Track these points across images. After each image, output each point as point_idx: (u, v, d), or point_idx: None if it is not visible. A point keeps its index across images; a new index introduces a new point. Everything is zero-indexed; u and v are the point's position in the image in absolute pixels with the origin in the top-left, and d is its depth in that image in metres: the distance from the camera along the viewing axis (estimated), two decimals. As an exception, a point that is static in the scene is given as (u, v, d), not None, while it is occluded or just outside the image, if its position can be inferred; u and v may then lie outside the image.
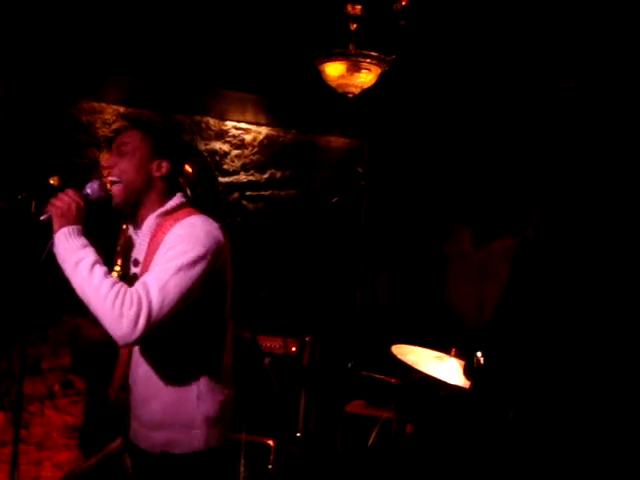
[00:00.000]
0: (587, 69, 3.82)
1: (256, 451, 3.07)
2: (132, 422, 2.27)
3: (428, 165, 4.91)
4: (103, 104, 4.04)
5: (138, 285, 2.04)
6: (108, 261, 3.24)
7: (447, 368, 3.44)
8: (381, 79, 3.66)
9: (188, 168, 4.15)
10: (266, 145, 4.74)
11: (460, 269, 4.82)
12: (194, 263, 2.06)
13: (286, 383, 2.60)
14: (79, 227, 2.11)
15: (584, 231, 2.30)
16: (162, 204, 2.23)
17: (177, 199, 2.26)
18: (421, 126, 4.84)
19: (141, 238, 2.25)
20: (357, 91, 3.56)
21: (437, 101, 4.57)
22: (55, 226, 2.11)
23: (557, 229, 2.36)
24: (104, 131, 4.04)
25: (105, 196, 2.27)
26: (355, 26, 3.46)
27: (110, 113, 4.07)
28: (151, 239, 2.21)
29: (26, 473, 3.70)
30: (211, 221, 2.19)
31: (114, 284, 2.01)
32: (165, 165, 2.24)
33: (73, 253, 2.06)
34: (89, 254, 2.07)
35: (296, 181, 4.84)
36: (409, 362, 3.45)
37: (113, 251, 3.24)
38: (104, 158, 3.22)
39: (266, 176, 4.75)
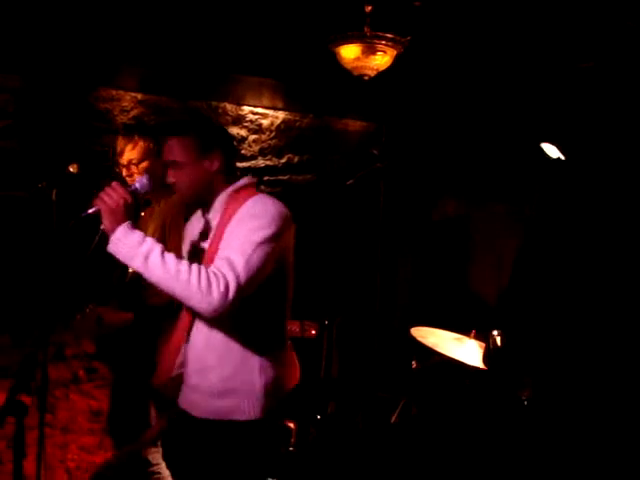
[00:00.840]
0: (606, 48, 3.77)
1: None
2: (189, 393, 2.36)
3: (446, 146, 4.89)
4: (121, 91, 4.06)
5: (221, 262, 2.14)
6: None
7: (467, 350, 3.44)
8: (397, 61, 3.63)
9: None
10: (283, 130, 4.74)
11: (480, 249, 4.81)
12: (272, 239, 2.19)
13: (305, 366, 2.63)
14: (131, 222, 2.18)
15: (591, 214, 2.29)
16: (229, 185, 2.33)
17: (245, 180, 2.37)
18: (438, 108, 4.81)
19: (211, 214, 2.34)
20: (373, 73, 3.54)
21: (454, 82, 4.53)
22: (105, 223, 2.17)
23: (562, 214, 2.35)
24: (122, 118, 4.06)
25: (153, 189, 2.40)
26: (370, 8, 3.44)
27: (128, 100, 4.09)
28: (222, 215, 2.30)
29: (52, 456, 3.77)
30: (280, 202, 2.30)
31: (190, 266, 2.11)
32: (216, 158, 2.32)
33: (137, 249, 2.13)
34: (153, 245, 2.14)
35: (313, 165, 4.84)
36: (429, 344, 3.46)
37: None
38: (121, 144, 3.24)
39: (284, 161, 4.76)
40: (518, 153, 4.39)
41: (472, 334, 3.55)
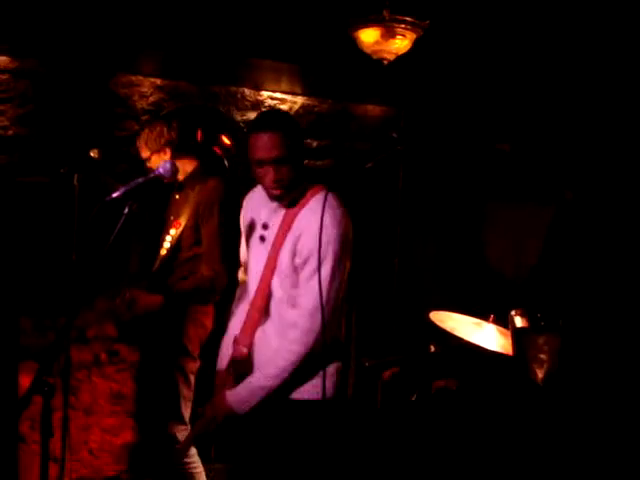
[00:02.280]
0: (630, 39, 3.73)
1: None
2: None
3: (466, 131, 4.86)
4: (140, 77, 4.08)
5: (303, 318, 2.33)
6: (159, 228, 3.34)
7: (485, 334, 3.44)
8: (416, 45, 3.62)
9: (226, 140, 4.18)
10: (302, 115, 4.74)
11: (499, 228, 4.79)
12: (340, 265, 2.32)
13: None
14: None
15: (621, 201, 2.28)
16: (301, 182, 2.41)
17: (300, 186, 2.42)
18: (458, 92, 4.78)
19: (275, 207, 2.44)
20: (392, 57, 3.53)
21: (474, 66, 4.50)
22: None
23: (597, 199, 2.34)
24: (141, 104, 4.08)
25: (174, 175, 2.54)
26: (389, -9, 3.42)
27: (147, 86, 4.11)
28: (287, 211, 2.41)
29: (75, 437, 3.82)
30: (339, 201, 2.38)
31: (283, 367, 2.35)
32: (303, 152, 2.43)
33: (255, 400, 2.39)
34: (252, 390, 2.38)
35: (332, 150, 4.84)
36: (447, 329, 3.46)
37: (164, 219, 3.32)
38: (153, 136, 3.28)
39: (302, 146, 4.75)
40: (541, 139, 4.36)
41: (491, 318, 3.55)
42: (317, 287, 2.26)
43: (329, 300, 2.30)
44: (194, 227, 3.18)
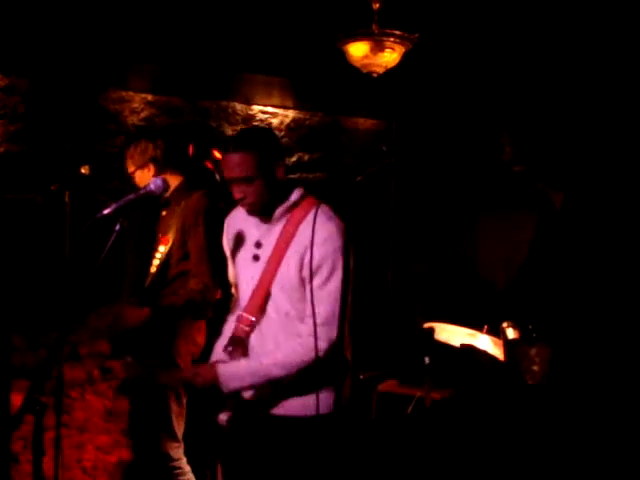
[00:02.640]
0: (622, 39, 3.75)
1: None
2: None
3: (457, 143, 4.88)
4: (131, 92, 4.08)
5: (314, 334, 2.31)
6: (150, 244, 3.33)
7: (480, 345, 3.43)
8: (406, 58, 3.63)
9: (217, 154, 4.18)
10: (293, 128, 4.75)
11: (490, 238, 4.79)
12: (347, 274, 2.26)
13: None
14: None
15: (614, 201, 2.29)
16: (287, 198, 2.45)
17: (298, 192, 2.47)
18: (448, 104, 4.80)
19: (268, 225, 2.46)
20: (381, 70, 3.55)
21: (464, 78, 4.52)
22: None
23: (586, 200, 2.34)
24: (132, 119, 4.08)
25: (165, 192, 2.58)
26: (378, 5, 3.44)
27: (138, 101, 4.11)
28: (283, 228, 2.43)
29: (69, 456, 3.79)
30: (334, 214, 2.43)
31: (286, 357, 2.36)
32: (281, 165, 2.44)
33: (248, 379, 2.38)
34: (250, 367, 2.38)
35: (324, 164, 4.85)
36: (442, 340, 3.45)
37: (154, 235, 3.32)
38: (137, 151, 3.29)
39: (294, 159, 4.77)
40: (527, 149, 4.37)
41: (485, 329, 3.55)
42: (333, 295, 2.33)
43: (343, 307, 2.27)
44: (181, 242, 3.18)
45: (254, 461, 2.51)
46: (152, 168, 3.27)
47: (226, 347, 2.50)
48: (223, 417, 2.53)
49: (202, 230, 3.13)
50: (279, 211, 2.45)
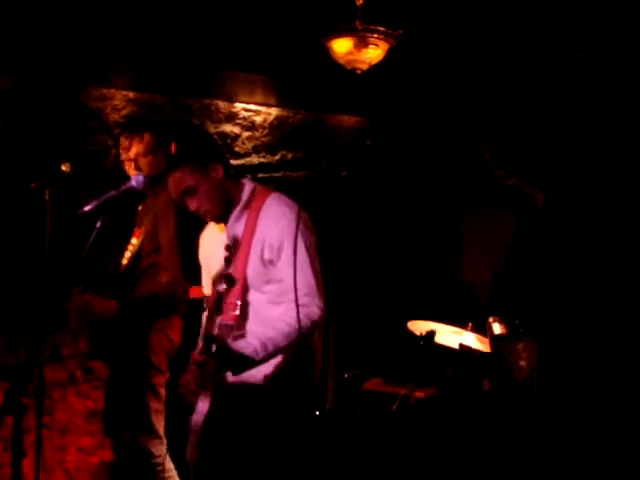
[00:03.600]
0: (598, 39, 3.77)
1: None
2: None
3: (440, 140, 4.88)
4: (112, 90, 4.04)
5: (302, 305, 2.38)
6: (126, 237, 3.30)
7: (465, 342, 3.44)
8: (390, 55, 3.62)
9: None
10: (276, 126, 4.73)
11: (473, 243, 4.81)
12: (313, 246, 2.45)
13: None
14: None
15: (593, 200, 2.29)
16: (240, 197, 2.53)
17: (249, 187, 2.56)
18: (432, 101, 4.80)
19: (232, 222, 2.53)
20: (365, 67, 3.53)
21: (448, 74, 4.52)
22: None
23: (566, 202, 2.35)
24: (114, 117, 4.04)
25: (146, 187, 2.57)
26: (361, 1, 3.42)
27: (119, 99, 4.07)
28: (245, 223, 2.50)
29: (51, 458, 3.74)
30: (286, 197, 2.53)
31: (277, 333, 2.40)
32: (217, 166, 2.50)
33: (255, 355, 2.38)
34: (254, 344, 2.38)
35: (308, 161, 4.83)
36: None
37: (131, 229, 3.28)
38: (127, 140, 3.25)
39: (277, 157, 4.74)
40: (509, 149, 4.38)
41: (469, 327, 3.55)
42: (304, 267, 2.42)
43: (318, 278, 2.44)
44: (153, 234, 3.15)
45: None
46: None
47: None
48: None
49: (173, 222, 3.11)
50: (237, 211, 2.53)
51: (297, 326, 2.36)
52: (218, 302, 2.45)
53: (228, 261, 2.48)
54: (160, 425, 3.17)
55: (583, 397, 2.13)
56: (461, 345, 3.09)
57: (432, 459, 3.03)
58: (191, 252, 2.84)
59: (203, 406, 2.49)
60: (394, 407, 3.16)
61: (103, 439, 3.90)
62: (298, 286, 2.39)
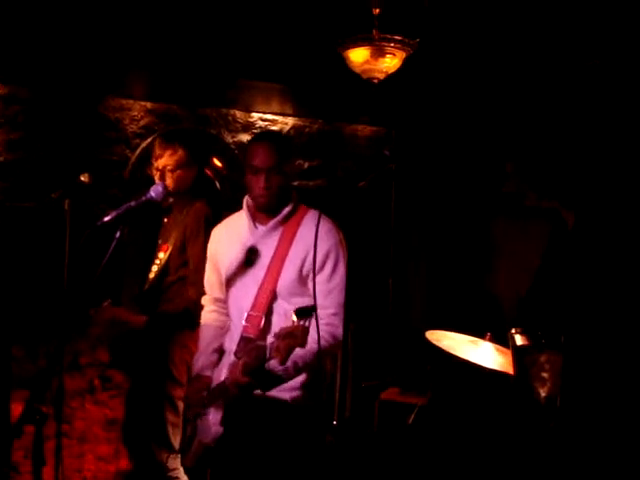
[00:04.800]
0: (612, 47, 3.75)
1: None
2: None
3: (459, 150, 4.86)
4: (130, 100, 4.07)
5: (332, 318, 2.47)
6: (149, 249, 3.32)
7: (482, 352, 3.41)
8: (407, 64, 3.62)
9: (217, 162, 4.17)
10: (293, 136, 4.73)
11: (496, 254, 4.76)
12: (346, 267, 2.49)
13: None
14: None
15: (624, 220, 2.27)
16: (287, 204, 2.60)
17: (294, 199, 2.62)
18: (449, 111, 4.79)
19: (264, 230, 2.59)
20: (382, 76, 3.53)
21: (465, 83, 4.51)
22: None
23: (596, 220, 2.34)
24: (132, 127, 4.07)
25: (165, 197, 2.64)
26: (378, 10, 3.43)
27: (137, 109, 4.10)
28: (283, 231, 2.56)
29: (70, 466, 3.76)
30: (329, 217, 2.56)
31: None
32: (293, 164, 2.74)
33: (286, 374, 2.43)
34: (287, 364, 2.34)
35: (324, 171, 4.83)
36: (444, 347, 3.43)
37: (154, 241, 3.30)
38: (159, 149, 3.26)
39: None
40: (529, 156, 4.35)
41: (487, 337, 3.52)
42: (339, 287, 2.47)
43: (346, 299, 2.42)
44: (181, 249, 3.17)
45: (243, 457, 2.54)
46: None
47: (237, 348, 2.51)
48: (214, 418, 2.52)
49: (202, 239, 3.11)
50: (278, 218, 2.57)
51: (326, 345, 2.39)
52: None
53: (250, 263, 2.53)
54: (176, 439, 3.18)
55: (607, 411, 2.11)
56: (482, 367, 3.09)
57: (447, 468, 3.02)
58: None
59: (215, 416, 2.50)
60: (410, 420, 3.14)
61: (120, 448, 3.92)
62: (328, 305, 2.44)
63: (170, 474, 3.15)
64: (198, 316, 3.08)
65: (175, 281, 3.18)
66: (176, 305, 3.12)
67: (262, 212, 2.61)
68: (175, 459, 3.14)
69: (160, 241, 3.27)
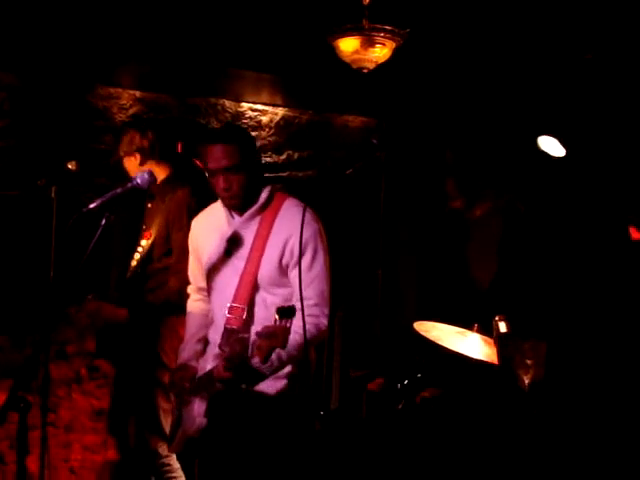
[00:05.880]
0: (605, 40, 3.75)
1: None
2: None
3: (448, 140, 4.86)
4: (119, 89, 4.04)
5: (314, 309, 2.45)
6: (134, 237, 3.31)
7: (470, 343, 3.42)
8: (397, 54, 3.61)
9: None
10: (283, 126, 4.72)
11: (478, 240, 4.78)
12: (328, 255, 2.49)
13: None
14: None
15: (581, 205, 2.29)
16: (258, 198, 2.56)
17: (268, 189, 2.59)
18: (439, 101, 4.79)
19: (241, 221, 2.56)
20: (372, 66, 3.53)
21: (455, 73, 4.50)
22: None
23: (552, 207, 2.36)
24: (121, 116, 4.04)
25: (150, 185, 2.59)
26: (368, 0, 3.42)
27: (126, 98, 4.07)
28: (261, 221, 2.53)
29: (56, 455, 3.75)
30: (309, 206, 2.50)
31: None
32: (260, 162, 2.70)
33: (270, 368, 2.41)
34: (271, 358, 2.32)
35: (314, 161, 4.82)
36: (432, 338, 3.44)
37: (139, 228, 3.29)
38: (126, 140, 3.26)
39: (283, 157, 4.74)
40: (517, 148, 4.37)
41: (475, 328, 3.53)
42: (320, 275, 2.47)
43: (329, 287, 2.47)
44: (165, 237, 3.16)
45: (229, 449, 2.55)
46: (138, 157, 3.28)
47: (221, 341, 2.50)
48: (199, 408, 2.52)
49: (185, 228, 3.11)
50: (255, 207, 2.55)
51: (308, 336, 2.37)
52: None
53: (229, 253, 2.52)
54: (168, 425, 3.17)
55: (591, 397, 2.12)
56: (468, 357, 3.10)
57: (437, 458, 3.03)
58: None
59: (200, 407, 2.50)
60: (399, 406, 3.15)
61: (107, 438, 3.92)
62: (309, 295, 2.42)
63: (162, 460, 3.15)
64: (180, 305, 3.08)
65: (160, 269, 3.17)
66: (156, 296, 3.11)
67: (232, 209, 2.61)
68: (167, 445, 3.14)
69: (144, 227, 3.26)
